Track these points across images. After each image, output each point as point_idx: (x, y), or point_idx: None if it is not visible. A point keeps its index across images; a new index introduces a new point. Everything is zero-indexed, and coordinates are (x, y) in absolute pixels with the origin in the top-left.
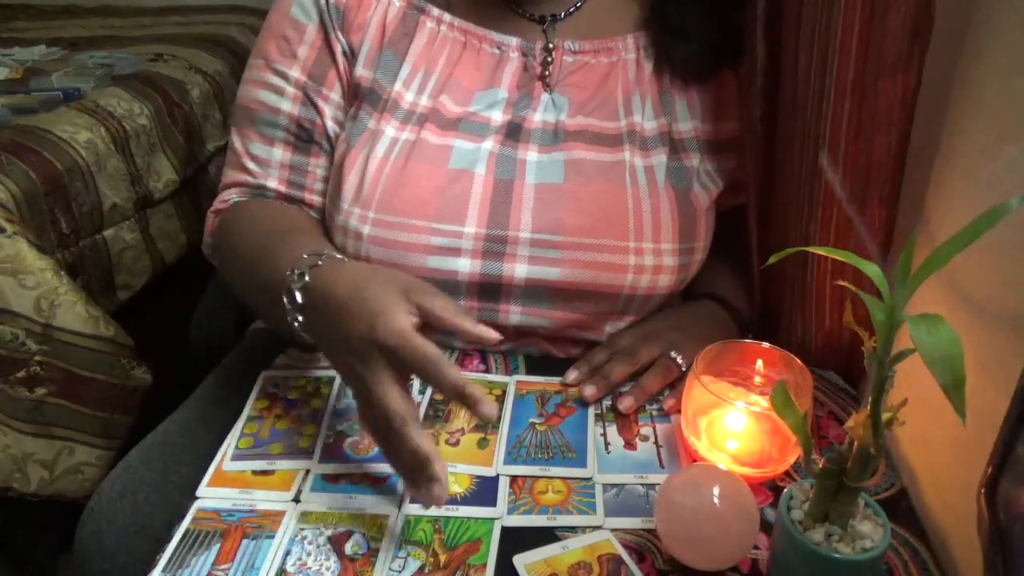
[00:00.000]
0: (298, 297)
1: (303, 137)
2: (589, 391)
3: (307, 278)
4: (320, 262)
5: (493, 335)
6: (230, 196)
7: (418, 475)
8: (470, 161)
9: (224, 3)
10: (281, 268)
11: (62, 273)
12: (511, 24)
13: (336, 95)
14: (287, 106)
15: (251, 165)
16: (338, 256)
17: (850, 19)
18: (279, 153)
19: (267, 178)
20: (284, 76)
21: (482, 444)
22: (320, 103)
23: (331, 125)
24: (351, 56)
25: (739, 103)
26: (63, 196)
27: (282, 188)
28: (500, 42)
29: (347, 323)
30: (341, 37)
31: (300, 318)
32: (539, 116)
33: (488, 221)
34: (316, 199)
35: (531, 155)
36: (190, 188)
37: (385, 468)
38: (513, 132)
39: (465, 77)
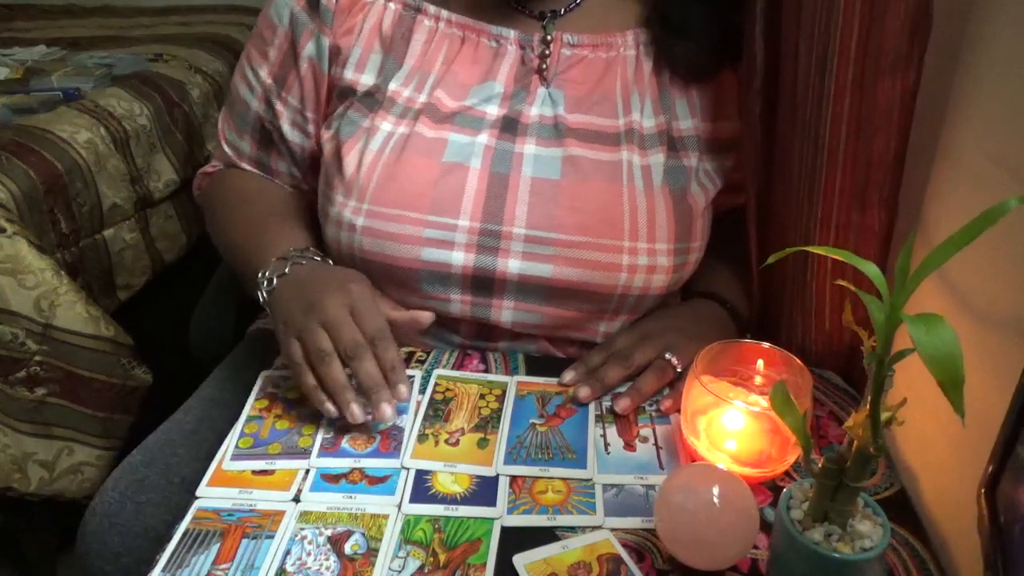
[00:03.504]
0: (275, 282)
1: (265, 136)
2: (583, 392)
3: (287, 270)
4: (304, 262)
5: (421, 319)
6: (218, 164)
7: (380, 390)
8: (465, 154)
9: (224, 3)
10: (264, 254)
11: (62, 273)
12: (510, 20)
13: (295, 100)
14: (254, 104)
15: (226, 148)
16: (317, 258)
17: (849, 19)
18: (247, 146)
19: (239, 163)
20: (256, 74)
21: (482, 444)
22: (278, 107)
23: (287, 128)
24: (335, 58)
25: (739, 103)
26: (63, 196)
27: (256, 172)
28: (498, 35)
29: (321, 282)
30: (325, 39)
31: (270, 288)
32: (536, 110)
33: (483, 215)
34: (286, 186)
35: (528, 148)
36: (190, 188)
37: (385, 468)
38: (509, 126)
39: (462, 72)
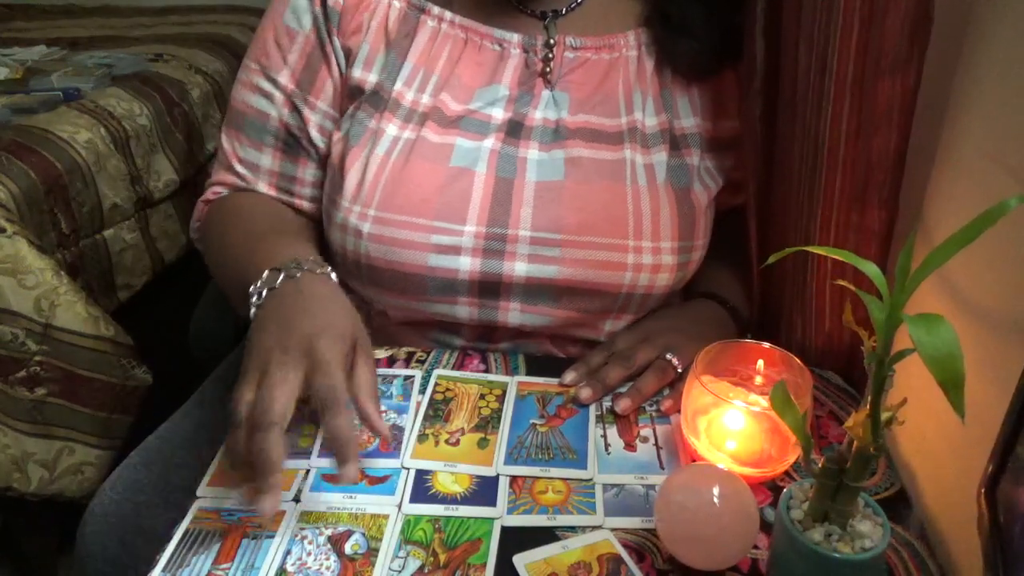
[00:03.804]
0: (264, 295)
1: (291, 144)
2: (585, 393)
3: (277, 284)
4: (299, 274)
5: (387, 435)
6: (221, 191)
7: (257, 479)
8: (471, 159)
9: (224, 3)
10: (259, 267)
11: (62, 273)
12: (512, 20)
13: (324, 103)
14: (276, 112)
15: (240, 169)
16: (317, 270)
17: (849, 19)
18: (268, 159)
19: (256, 183)
20: (274, 82)
21: (482, 444)
22: (306, 111)
23: (315, 134)
24: (347, 58)
25: (739, 103)
26: (63, 196)
27: (272, 193)
28: (501, 39)
29: (300, 315)
30: (336, 40)
31: (258, 302)
32: (540, 113)
33: (488, 219)
34: (305, 204)
35: (532, 153)
36: (190, 188)
37: (385, 468)
38: (514, 130)
39: (466, 74)
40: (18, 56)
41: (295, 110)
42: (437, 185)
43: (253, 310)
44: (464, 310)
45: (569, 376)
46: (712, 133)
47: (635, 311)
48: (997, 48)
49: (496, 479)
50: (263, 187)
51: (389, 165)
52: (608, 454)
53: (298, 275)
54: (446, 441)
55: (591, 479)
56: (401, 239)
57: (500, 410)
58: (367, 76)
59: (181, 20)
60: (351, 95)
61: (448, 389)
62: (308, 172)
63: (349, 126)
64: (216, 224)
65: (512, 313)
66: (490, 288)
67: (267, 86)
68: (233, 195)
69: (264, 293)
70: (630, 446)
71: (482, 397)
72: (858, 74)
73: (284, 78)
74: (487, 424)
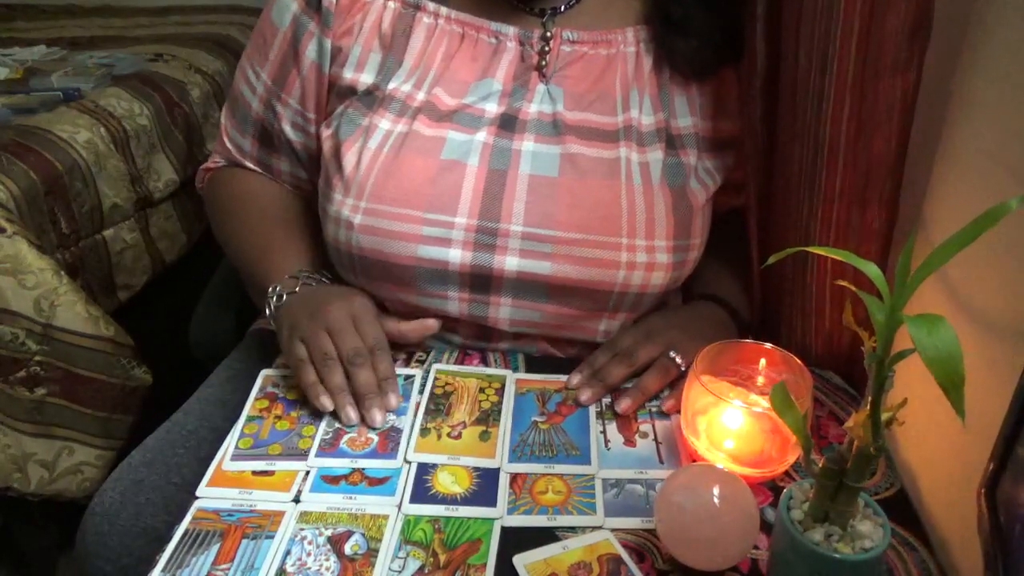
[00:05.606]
0: (284, 298)
1: (266, 137)
2: (584, 396)
3: (296, 289)
4: (312, 283)
5: (431, 322)
6: (219, 160)
7: (373, 397)
8: (463, 152)
9: (224, 3)
10: (273, 276)
11: (62, 273)
12: (510, 17)
13: (294, 102)
14: (255, 105)
15: (230, 146)
16: (325, 280)
17: (850, 19)
18: (248, 145)
19: (243, 160)
20: (257, 76)
21: (484, 437)
22: (279, 108)
23: (288, 129)
24: (335, 58)
25: (739, 103)
26: (63, 196)
27: (258, 170)
28: (498, 32)
29: (328, 292)
30: (327, 41)
31: (279, 303)
32: (535, 107)
33: (480, 212)
34: (287, 188)
35: (526, 145)
36: (190, 188)
37: (385, 468)
38: (508, 123)
39: (461, 69)
40: (18, 56)
41: (270, 107)
42: (428, 177)
43: (272, 309)
44: (455, 304)
45: (575, 379)
46: (710, 133)
47: (630, 310)
48: (997, 48)
49: (497, 472)
50: (249, 164)
51: (381, 158)
52: (608, 450)
53: (312, 284)
54: (448, 435)
55: (593, 473)
56: (392, 230)
57: (500, 403)
58: (359, 77)
59: (181, 20)
60: (340, 95)
61: (447, 383)
62: (283, 165)
63: (339, 124)
64: (222, 202)
65: (503, 308)
66: (481, 282)
67: (252, 78)
68: (233, 172)
69: (285, 296)
70: (629, 442)
71: (481, 391)
72: (858, 74)
73: (265, 73)
74: (488, 417)
